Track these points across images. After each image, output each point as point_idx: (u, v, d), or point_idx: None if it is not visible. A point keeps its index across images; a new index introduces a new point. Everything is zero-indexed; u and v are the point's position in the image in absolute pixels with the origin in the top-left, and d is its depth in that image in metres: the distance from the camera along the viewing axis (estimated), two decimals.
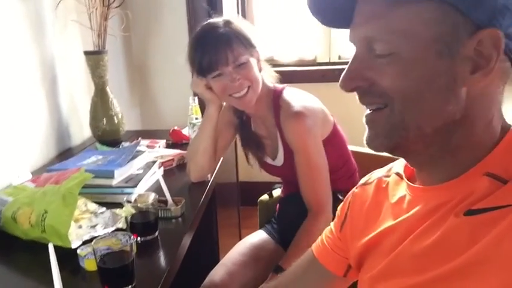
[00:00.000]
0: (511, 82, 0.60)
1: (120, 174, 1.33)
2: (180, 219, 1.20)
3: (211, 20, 1.34)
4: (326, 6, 0.63)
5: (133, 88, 2.56)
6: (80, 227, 1.06)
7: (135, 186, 1.30)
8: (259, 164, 1.52)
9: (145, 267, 0.98)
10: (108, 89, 1.78)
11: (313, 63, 2.83)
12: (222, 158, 1.59)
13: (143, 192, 1.27)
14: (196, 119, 1.74)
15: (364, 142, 0.63)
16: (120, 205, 1.16)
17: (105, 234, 0.95)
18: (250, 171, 1.62)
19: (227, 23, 1.31)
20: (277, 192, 1.69)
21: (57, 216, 0.98)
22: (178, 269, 1.05)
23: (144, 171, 1.41)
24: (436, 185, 0.61)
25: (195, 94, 1.57)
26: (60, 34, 1.78)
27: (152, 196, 1.12)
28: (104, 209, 1.14)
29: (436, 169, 0.62)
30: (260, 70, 1.36)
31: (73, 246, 0.97)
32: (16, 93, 1.50)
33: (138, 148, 1.52)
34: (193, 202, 1.31)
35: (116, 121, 1.80)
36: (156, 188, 1.32)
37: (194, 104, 1.77)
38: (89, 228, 1.06)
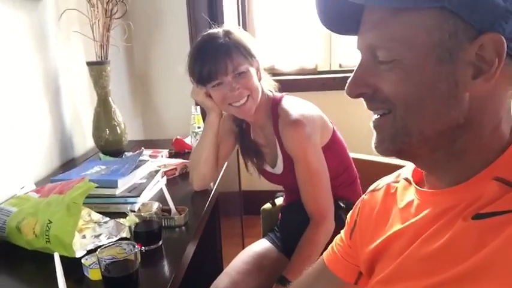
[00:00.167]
0: None
1: (123, 184, 1.33)
2: (183, 228, 1.20)
3: (211, 31, 1.35)
4: (335, 16, 0.64)
5: (136, 98, 2.57)
6: (84, 237, 1.06)
7: (139, 195, 1.30)
8: (258, 171, 1.53)
9: (149, 277, 0.98)
10: (110, 99, 1.79)
11: (314, 71, 2.84)
12: (224, 167, 1.60)
13: (147, 201, 1.27)
14: (199, 128, 1.75)
15: (372, 147, 0.64)
16: (123, 214, 1.16)
17: (109, 243, 0.95)
18: (253, 180, 1.62)
19: (227, 33, 1.33)
20: (279, 201, 1.70)
21: (61, 226, 0.98)
22: (183, 278, 1.05)
23: (147, 180, 1.42)
24: (444, 189, 0.62)
25: (196, 103, 1.58)
26: (63, 45, 1.80)
27: (156, 205, 1.12)
28: (108, 218, 1.15)
29: (444, 173, 0.62)
30: (259, 79, 1.37)
31: (77, 256, 0.97)
32: (19, 104, 1.51)
33: (141, 158, 1.53)
34: (197, 211, 1.31)
35: (119, 131, 1.81)
36: (160, 197, 1.32)
37: (196, 113, 1.78)
38: (93, 238, 1.07)
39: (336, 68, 2.83)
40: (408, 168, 0.73)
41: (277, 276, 1.30)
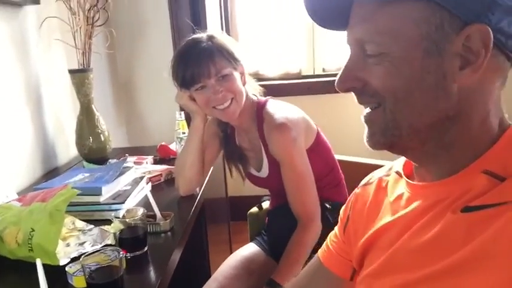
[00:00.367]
0: None
1: (107, 191, 1.32)
2: (169, 233, 1.19)
3: (194, 35, 1.36)
4: (325, 11, 0.65)
5: (119, 105, 2.55)
6: (68, 245, 1.05)
7: (123, 202, 1.29)
8: (244, 174, 1.53)
9: (135, 283, 0.97)
10: (93, 107, 1.78)
11: (298, 76, 2.86)
12: (210, 172, 1.59)
13: (131, 207, 1.26)
14: (183, 133, 1.74)
15: (364, 140, 0.64)
16: (108, 222, 1.15)
17: (93, 250, 0.94)
18: (239, 185, 1.62)
19: (210, 37, 1.33)
20: (266, 204, 1.70)
21: (44, 234, 0.97)
22: (169, 284, 1.04)
23: (132, 187, 1.40)
24: (434, 181, 0.62)
25: (181, 109, 1.58)
26: (44, 53, 1.78)
27: (141, 211, 1.11)
28: (92, 226, 1.13)
29: (434, 166, 0.63)
30: (244, 84, 1.37)
31: (61, 264, 0.96)
32: (1, 114, 1.49)
33: (125, 164, 1.52)
34: (182, 216, 1.30)
35: (103, 139, 1.80)
36: (145, 204, 1.31)
37: (180, 119, 1.78)
38: (77, 246, 1.05)
39: (319, 72, 2.86)
40: (399, 161, 0.74)
41: (265, 280, 1.30)
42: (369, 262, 0.70)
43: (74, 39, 1.71)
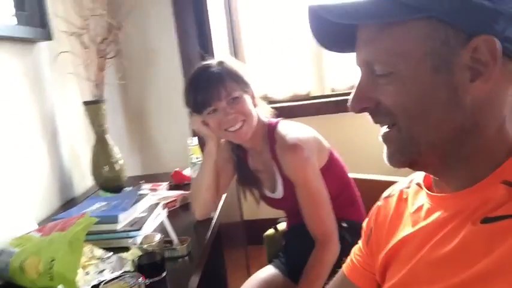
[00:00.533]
0: None
1: (124, 218, 1.33)
2: (187, 258, 1.19)
3: (205, 62, 1.39)
4: (329, 33, 0.65)
5: (133, 134, 2.59)
6: (87, 273, 1.06)
7: (140, 228, 1.30)
8: (260, 197, 1.53)
9: None
10: (108, 136, 1.81)
11: (307, 97, 2.88)
12: (224, 197, 1.60)
13: (149, 233, 1.27)
14: (197, 158, 1.76)
15: (385, 160, 0.64)
16: (126, 249, 1.15)
17: (112, 277, 0.94)
18: (254, 209, 1.62)
19: (220, 63, 1.37)
20: (282, 226, 1.69)
21: (64, 262, 0.98)
22: None
23: (148, 213, 1.41)
24: (454, 193, 0.62)
25: (194, 134, 1.60)
26: (58, 87, 1.83)
27: (158, 236, 1.12)
28: (111, 253, 1.14)
29: (454, 177, 0.62)
30: (255, 106, 1.39)
31: None
32: (18, 147, 1.52)
33: (141, 192, 1.53)
34: (199, 240, 1.30)
35: (118, 168, 1.82)
36: (161, 230, 1.31)
37: (193, 145, 1.79)
38: (96, 274, 1.06)
39: (328, 92, 2.87)
40: (420, 173, 0.74)
41: None
42: (390, 275, 0.70)
43: (87, 72, 1.76)
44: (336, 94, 2.81)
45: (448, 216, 0.60)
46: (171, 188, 1.82)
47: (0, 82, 1.47)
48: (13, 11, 1.54)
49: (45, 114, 1.72)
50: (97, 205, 1.46)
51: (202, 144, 1.50)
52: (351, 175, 1.52)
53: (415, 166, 0.64)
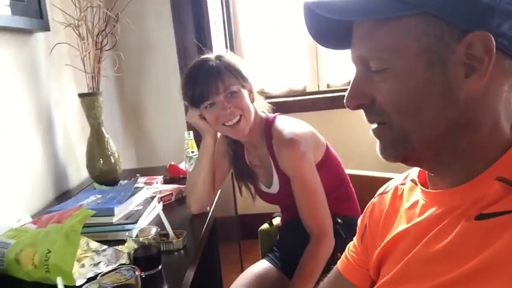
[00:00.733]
0: None
1: (120, 211, 1.33)
2: (182, 251, 1.20)
3: (203, 56, 1.39)
4: (324, 29, 0.65)
5: (128, 127, 2.58)
6: (83, 266, 1.06)
7: (136, 222, 1.30)
8: (255, 192, 1.53)
9: None
10: (103, 129, 1.80)
11: (303, 93, 2.88)
12: (219, 192, 1.60)
13: (144, 226, 1.27)
14: (193, 152, 1.75)
15: (378, 153, 0.65)
16: (122, 242, 1.16)
17: (109, 270, 0.95)
18: (249, 203, 1.62)
19: (218, 57, 1.37)
20: (277, 221, 1.69)
21: (61, 254, 0.98)
22: None
23: (144, 207, 1.42)
24: (448, 189, 0.62)
25: (190, 128, 1.60)
26: (54, 78, 1.82)
27: (154, 230, 1.12)
28: (106, 246, 1.14)
29: (449, 174, 0.62)
30: (252, 101, 1.40)
31: (77, 284, 0.97)
32: (13, 139, 1.52)
33: (136, 185, 1.53)
34: (195, 234, 1.31)
35: (113, 161, 1.81)
36: (157, 223, 1.32)
37: (189, 138, 1.79)
38: (92, 267, 1.06)
39: (324, 88, 2.87)
40: (415, 169, 0.74)
41: None
42: (384, 272, 0.70)
43: (83, 64, 1.75)
44: (332, 90, 2.81)
45: (443, 213, 0.60)
46: (166, 181, 1.82)
47: None
48: (9, 0, 1.52)
49: (41, 106, 1.72)
50: (92, 198, 1.46)
51: (198, 139, 1.50)
52: (346, 171, 1.52)
53: (408, 161, 0.64)
